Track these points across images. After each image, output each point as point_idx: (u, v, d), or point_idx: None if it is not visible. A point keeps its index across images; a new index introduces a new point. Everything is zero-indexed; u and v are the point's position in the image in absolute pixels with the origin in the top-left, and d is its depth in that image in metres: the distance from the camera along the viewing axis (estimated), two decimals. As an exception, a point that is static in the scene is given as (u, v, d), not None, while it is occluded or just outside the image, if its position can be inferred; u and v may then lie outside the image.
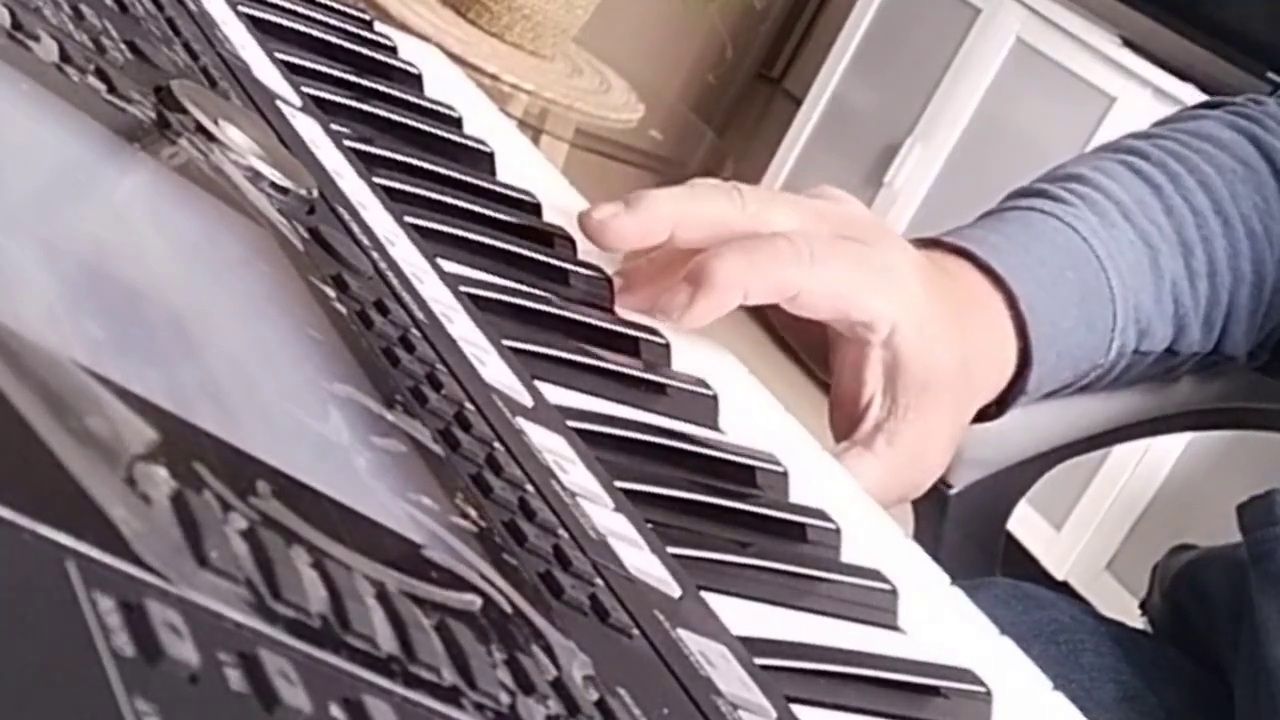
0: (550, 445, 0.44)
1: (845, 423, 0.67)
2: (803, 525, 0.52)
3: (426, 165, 0.63)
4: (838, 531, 0.53)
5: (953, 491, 0.81)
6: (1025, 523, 2.40)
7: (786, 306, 0.62)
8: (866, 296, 0.63)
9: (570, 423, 0.48)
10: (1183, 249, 0.75)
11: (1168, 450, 2.32)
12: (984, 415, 0.72)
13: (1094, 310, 0.72)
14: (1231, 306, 0.77)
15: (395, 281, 0.47)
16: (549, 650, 0.32)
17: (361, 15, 0.76)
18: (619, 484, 0.45)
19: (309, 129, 0.56)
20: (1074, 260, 0.72)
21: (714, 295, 0.60)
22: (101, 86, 0.43)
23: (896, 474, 0.66)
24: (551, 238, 0.64)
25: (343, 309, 0.42)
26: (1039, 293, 0.70)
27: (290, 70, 0.63)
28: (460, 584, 0.32)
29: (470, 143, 0.69)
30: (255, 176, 0.46)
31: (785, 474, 0.55)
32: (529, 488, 0.40)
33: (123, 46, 0.48)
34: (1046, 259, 0.71)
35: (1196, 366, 0.80)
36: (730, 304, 0.60)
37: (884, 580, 0.51)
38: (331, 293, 0.42)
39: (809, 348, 0.69)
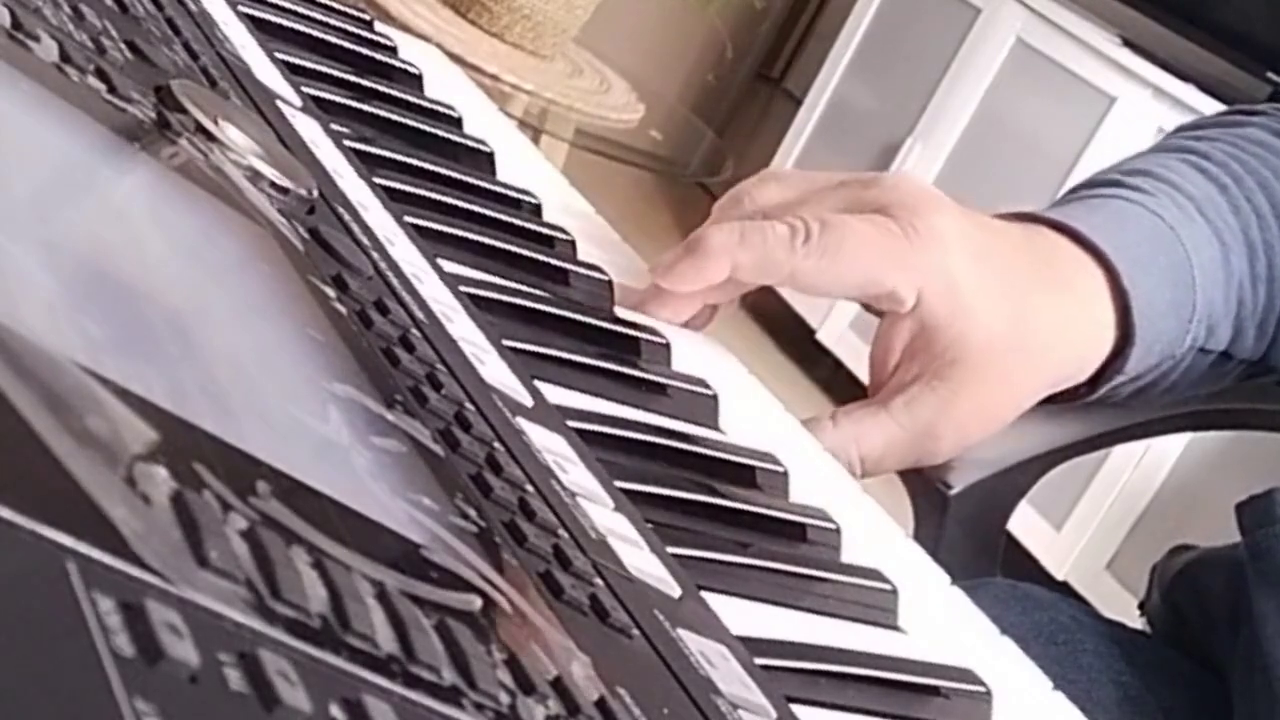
0: (550, 445, 0.44)
1: (875, 384, 0.67)
2: (803, 525, 0.52)
3: (426, 165, 0.63)
4: (838, 531, 0.53)
5: (953, 491, 0.81)
6: (1025, 523, 2.40)
7: (789, 287, 0.63)
8: (876, 271, 0.63)
9: (570, 423, 0.48)
10: (1248, 249, 0.74)
11: (1168, 450, 2.32)
12: (1074, 394, 0.71)
13: (1181, 297, 0.71)
14: None
15: (395, 281, 0.47)
16: (549, 650, 0.32)
17: (361, 15, 0.76)
18: (619, 484, 0.45)
19: (309, 129, 0.56)
20: (1164, 246, 0.71)
21: (702, 258, 0.61)
22: (101, 86, 0.43)
23: (909, 440, 0.65)
24: (551, 238, 0.64)
25: (343, 309, 0.42)
26: (1139, 272, 0.69)
27: (290, 70, 0.63)
28: (460, 584, 0.32)
29: (470, 143, 0.69)
30: (255, 176, 0.46)
31: (785, 474, 0.55)
32: (529, 488, 0.40)
33: (123, 46, 0.48)
34: (1141, 242, 0.70)
35: (1240, 377, 0.79)
36: (717, 272, 0.61)
37: (884, 580, 0.51)
38: (331, 293, 0.42)
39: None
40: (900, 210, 0.64)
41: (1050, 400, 0.70)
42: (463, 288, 0.52)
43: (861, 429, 0.64)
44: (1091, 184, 0.75)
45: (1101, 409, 0.85)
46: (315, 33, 0.70)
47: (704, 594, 0.43)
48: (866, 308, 0.67)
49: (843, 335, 2.82)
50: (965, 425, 0.66)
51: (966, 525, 0.83)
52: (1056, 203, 0.74)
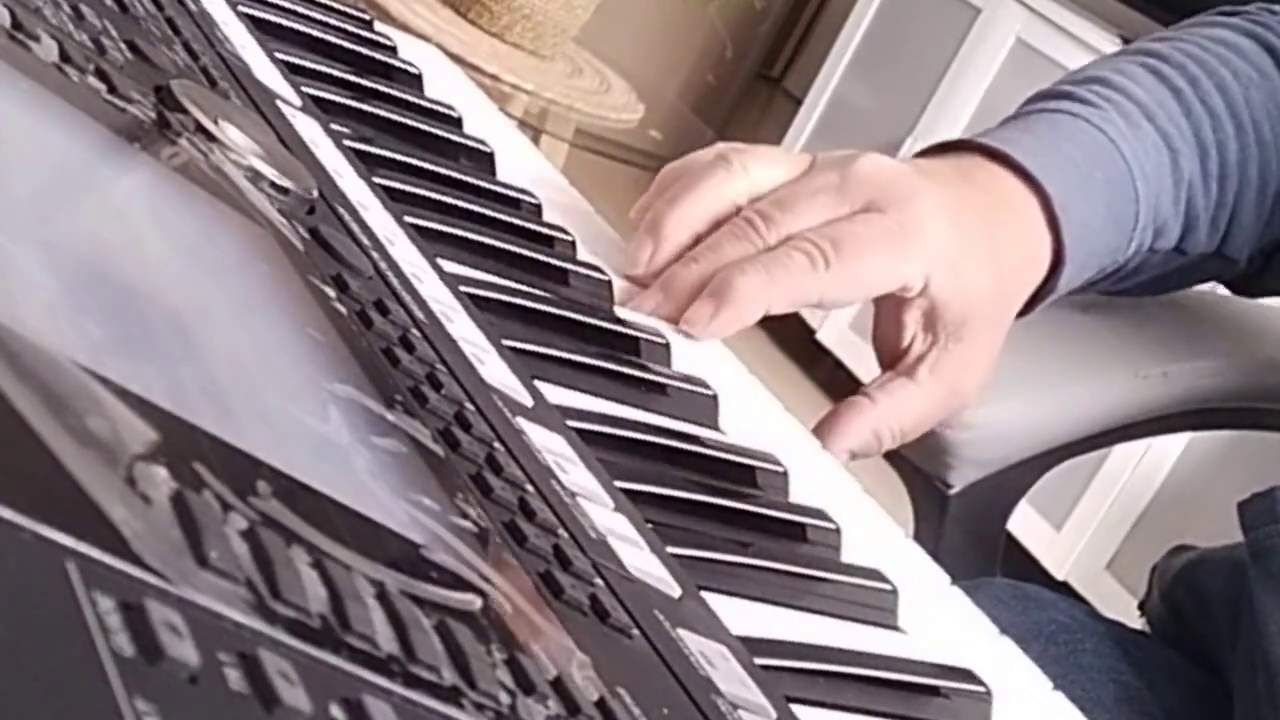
0: (550, 445, 0.44)
1: (888, 357, 0.70)
2: (803, 525, 0.52)
3: (426, 165, 0.63)
4: (838, 531, 0.53)
5: (953, 491, 0.81)
6: (1025, 523, 2.40)
7: (816, 308, 0.65)
8: (892, 269, 0.66)
9: (570, 423, 0.48)
10: (1199, 151, 0.78)
11: (1168, 450, 2.32)
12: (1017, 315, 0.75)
13: (1121, 210, 0.75)
14: (1236, 210, 0.79)
15: (395, 281, 0.47)
16: (549, 650, 0.32)
17: (361, 15, 0.76)
18: (619, 484, 0.45)
19: (309, 129, 0.56)
20: (1102, 161, 0.74)
21: (736, 310, 0.63)
22: (101, 86, 0.43)
23: (940, 400, 0.70)
24: (551, 238, 0.64)
25: (343, 309, 0.42)
26: (1071, 193, 0.72)
27: (290, 70, 0.63)
28: (460, 584, 0.32)
29: (470, 143, 0.69)
30: (255, 176, 0.46)
31: (785, 474, 0.55)
32: (529, 488, 0.40)
33: (123, 46, 0.48)
34: (1077, 160, 0.73)
35: (1198, 270, 0.82)
36: (752, 318, 0.64)
37: (884, 580, 0.51)
38: (331, 293, 0.42)
39: None
40: (886, 204, 0.66)
41: None
42: (463, 288, 0.52)
43: (898, 401, 0.68)
44: (1045, 95, 0.78)
45: (1103, 407, 0.85)
46: (315, 33, 0.70)
47: (704, 594, 0.43)
48: None
49: (842, 335, 2.82)
50: (982, 372, 0.72)
51: (966, 525, 0.83)
52: (1009, 117, 0.77)
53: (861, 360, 2.64)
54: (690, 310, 0.63)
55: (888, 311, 0.69)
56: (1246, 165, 0.79)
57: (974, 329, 0.69)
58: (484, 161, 0.69)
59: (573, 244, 0.64)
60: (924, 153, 0.74)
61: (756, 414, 0.62)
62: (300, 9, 0.72)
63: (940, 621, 0.53)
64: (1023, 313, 0.74)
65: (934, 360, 0.69)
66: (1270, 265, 0.84)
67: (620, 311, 0.62)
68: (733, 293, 0.63)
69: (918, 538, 0.67)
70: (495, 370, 0.47)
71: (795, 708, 0.40)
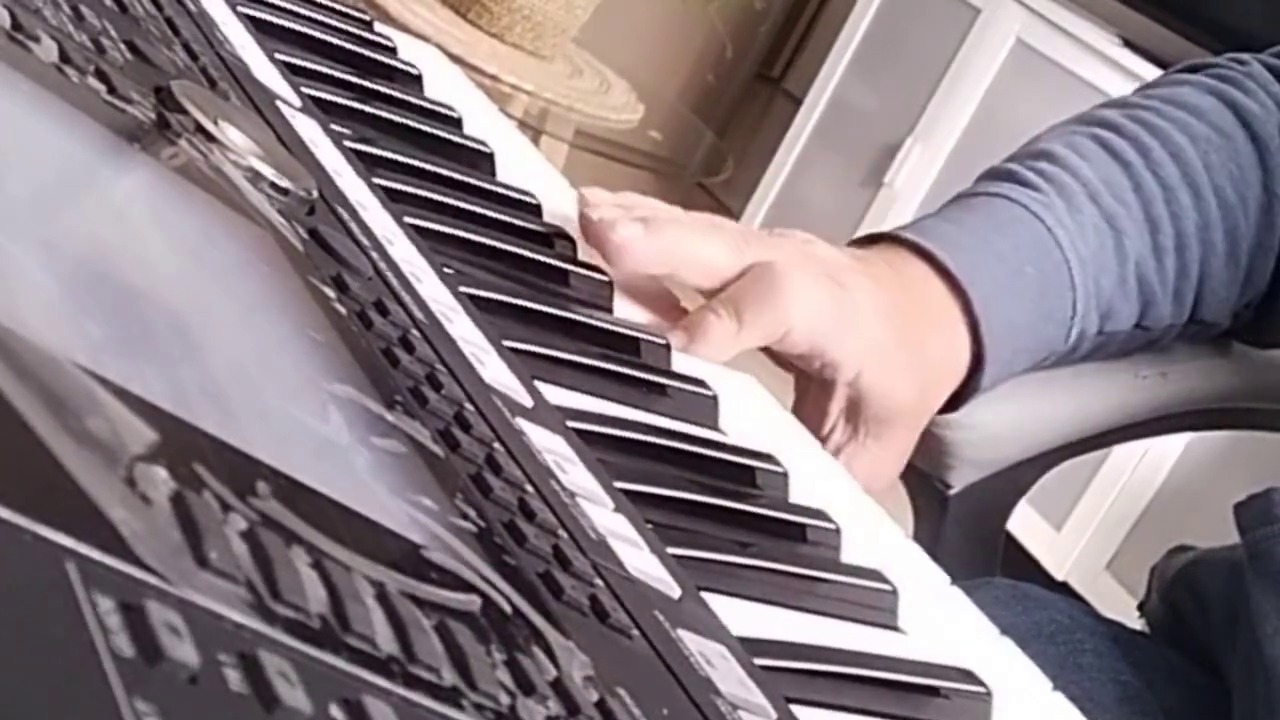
0: (550, 445, 0.44)
1: None
2: (803, 525, 0.52)
3: (426, 165, 0.63)
4: (838, 531, 0.53)
5: (953, 491, 0.81)
6: (1025, 523, 2.40)
7: (775, 347, 0.66)
8: (839, 340, 0.66)
9: (570, 423, 0.48)
10: (1150, 226, 0.77)
11: (1168, 450, 2.31)
12: (940, 411, 0.74)
13: (1053, 303, 0.74)
14: (1204, 277, 0.78)
15: (395, 282, 0.47)
16: (549, 650, 0.32)
17: (361, 16, 0.76)
18: (619, 484, 0.45)
19: (309, 129, 0.56)
20: (1035, 253, 0.73)
21: (707, 351, 0.63)
22: (101, 87, 0.43)
23: None
24: (551, 238, 0.64)
25: (342, 309, 0.42)
26: (996, 292, 0.72)
27: (290, 70, 0.63)
28: (460, 584, 0.32)
29: (470, 143, 0.69)
30: (255, 177, 0.46)
31: (785, 474, 0.55)
32: (529, 488, 0.40)
33: (123, 47, 0.48)
34: (1006, 255, 0.73)
35: (1179, 337, 0.81)
36: (725, 355, 0.64)
37: (884, 580, 0.51)
38: (331, 293, 0.42)
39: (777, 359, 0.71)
40: (839, 278, 0.66)
41: None
42: (462, 288, 0.52)
43: None
44: (991, 174, 0.78)
45: (1103, 407, 0.85)
46: (315, 33, 0.70)
47: (704, 594, 0.43)
48: (780, 363, 0.69)
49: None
50: (894, 470, 0.72)
51: (966, 525, 0.83)
52: (953, 198, 0.77)
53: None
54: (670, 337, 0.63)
55: (814, 397, 0.69)
56: (1208, 232, 0.78)
57: (895, 430, 0.70)
58: (484, 162, 0.69)
59: (573, 244, 0.64)
60: (857, 242, 0.74)
61: (756, 414, 0.62)
62: (300, 9, 0.72)
63: (940, 621, 0.53)
64: (949, 410, 0.74)
65: (851, 454, 0.69)
66: (1262, 318, 0.83)
67: (620, 312, 0.62)
68: (705, 337, 0.63)
69: (918, 538, 0.67)
70: (495, 371, 0.47)
71: (795, 708, 0.40)
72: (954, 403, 0.74)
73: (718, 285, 0.65)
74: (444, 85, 0.77)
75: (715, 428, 0.57)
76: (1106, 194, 0.76)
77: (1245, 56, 0.85)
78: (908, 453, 0.72)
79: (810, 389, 0.70)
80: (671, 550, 0.44)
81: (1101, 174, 0.76)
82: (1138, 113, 0.79)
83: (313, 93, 0.62)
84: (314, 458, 0.33)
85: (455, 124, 0.71)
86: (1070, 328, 0.75)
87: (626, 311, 0.63)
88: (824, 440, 0.69)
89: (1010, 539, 0.92)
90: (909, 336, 0.69)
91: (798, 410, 0.70)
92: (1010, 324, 0.72)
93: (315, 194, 0.48)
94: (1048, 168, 0.76)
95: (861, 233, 0.76)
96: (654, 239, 0.63)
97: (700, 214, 0.67)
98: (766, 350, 0.68)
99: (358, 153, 0.59)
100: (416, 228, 0.55)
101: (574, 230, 0.65)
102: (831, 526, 0.53)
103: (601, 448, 0.48)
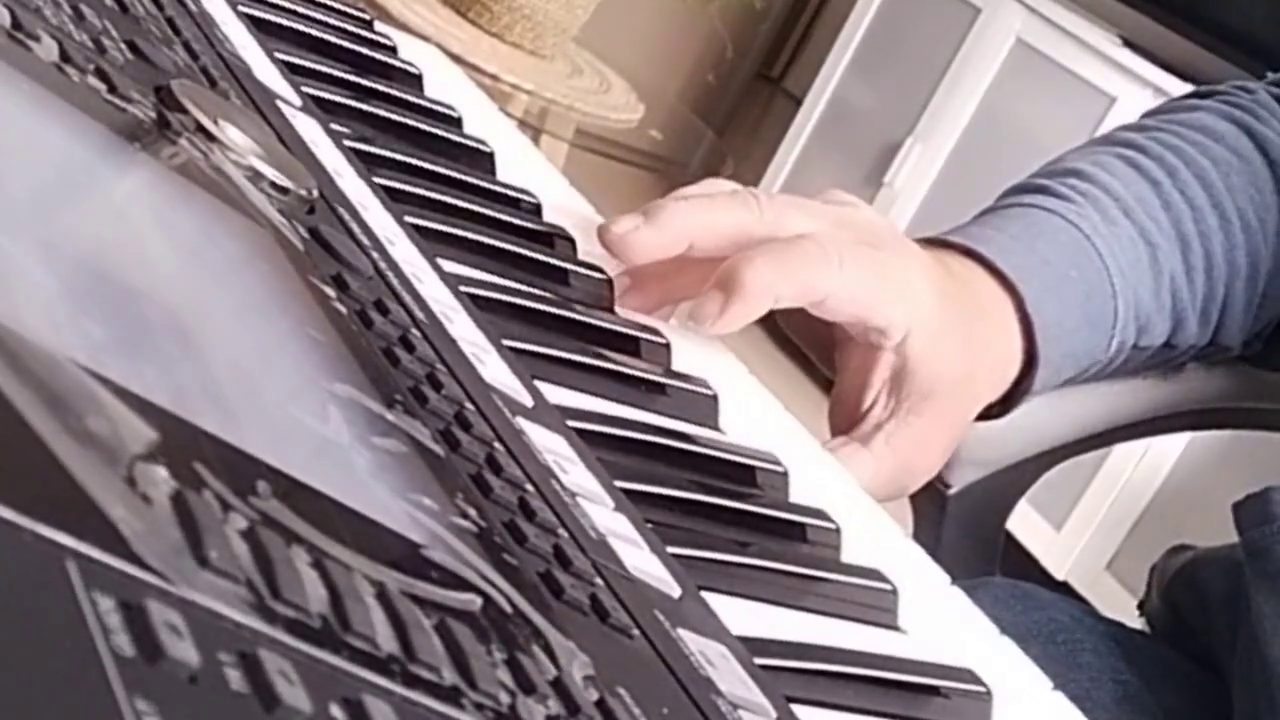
0: (550, 445, 0.44)
1: (845, 420, 0.68)
2: (803, 525, 0.52)
3: (426, 165, 0.63)
4: (838, 531, 0.53)
5: (952, 491, 0.81)
6: (1025, 523, 2.40)
7: (811, 310, 0.63)
8: (886, 303, 0.64)
9: (570, 423, 0.48)
10: (1181, 244, 0.76)
11: (1168, 450, 2.32)
12: (987, 414, 0.73)
13: (1097, 309, 0.73)
14: (1228, 300, 0.78)
15: (395, 281, 0.47)
16: (549, 650, 0.32)
17: (361, 15, 0.76)
18: (619, 484, 0.45)
19: (309, 129, 0.56)
20: (1078, 259, 0.72)
21: (746, 301, 0.60)
22: (101, 86, 0.43)
23: (889, 474, 0.67)
24: (551, 238, 0.64)
25: (343, 309, 0.42)
26: (1045, 294, 0.71)
27: (290, 70, 0.63)
28: (460, 584, 0.32)
29: (470, 143, 0.69)
30: (255, 176, 0.46)
31: (785, 474, 0.55)
32: (529, 488, 0.40)
33: (123, 46, 0.48)
34: (1052, 259, 0.71)
35: (1194, 358, 0.81)
36: (761, 309, 0.61)
37: (884, 580, 0.51)
38: (331, 293, 0.42)
39: (814, 343, 0.70)
40: (883, 242, 0.64)
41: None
42: (463, 288, 0.52)
43: (849, 468, 0.65)
44: (1021, 188, 0.77)
45: (1103, 406, 0.85)
46: (315, 32, 0.70)
47: (704, 594, 0.43)
48: (810, 343, 0.68)
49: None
50: (936, 456, 0.69)
51: (966, 525, 0.83)
52: (983, 211, 0.76)
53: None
54: (697, 305, 0.61)
55: (857, 363, 0.67)
56: (1234, 254, 0.77)
57: (936, 408, 0.67)
58: (484, 161, 0.69)
59: (573, 244, 0.64)
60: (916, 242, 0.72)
61: (756, 414, 0.62)
62: (300, 9, 0.72)
63: (940, 621, 0.53)
64: (1000, 414, 0.73)
65: (891, 431, 0.66)
66: (1270, 345, 0.82)
67: (621, 311, 0.62)
68: (741, 285, 0.60)
69: (918, 537, 0.67)
70: (495, 370, 0.47)
71: (795, 708, 0.40)
72: (1004, 405, 0.72)
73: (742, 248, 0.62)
74: (444, 85, 0.77)
75: (715, 427, 0.57)
76: (1139, 209, 0.75)
77: (1251, 85, 0.85)
78: (952, 442, 0.70)
79: (852, 359, 0.67)
80: (671, 550, 0.44)
81: (1132, 191, 0.75)
82: (1160, 135, 0.79)
83: (313, 92, 0.62)
84: (314, 457, 0.33)
85: (455, 123, 0.71)
86: (1112, 336, 0.74)
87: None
88: (863, 417, 0.67)
89: (1010, 539, 0.92)
90: (959, 320, 0.67)
91: (837, 387, 0.68)
92: (1061, 326, 0.71)
93: (315, 193, 0.48)
94: (1079, 184, 0.75)
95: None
96: (654, 223, 0.62)
97: (713, 180, 0.65)
98: (806, 324, 0.66)
99: (358, 152, 0.59)
100: (417, 227, 0.55)
101: (574, 230, 0.65)
102: (831, 526, 0.53)
103: (601, 447, 0.48)
